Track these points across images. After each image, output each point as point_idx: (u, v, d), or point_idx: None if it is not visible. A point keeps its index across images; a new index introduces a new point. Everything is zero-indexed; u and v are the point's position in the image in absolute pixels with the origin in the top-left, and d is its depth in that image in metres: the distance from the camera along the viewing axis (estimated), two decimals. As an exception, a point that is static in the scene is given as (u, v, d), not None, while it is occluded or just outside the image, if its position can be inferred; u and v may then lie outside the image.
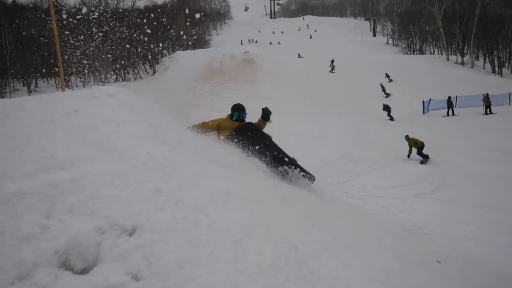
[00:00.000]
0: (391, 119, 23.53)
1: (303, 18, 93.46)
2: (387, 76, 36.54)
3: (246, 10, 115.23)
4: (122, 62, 51.14)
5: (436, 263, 4.20)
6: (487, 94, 24.32)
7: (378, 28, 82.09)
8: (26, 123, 2.90)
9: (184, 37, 64.37)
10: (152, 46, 59.75)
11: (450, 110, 24.57)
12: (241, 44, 65.82)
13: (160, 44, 54.85)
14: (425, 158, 14.23)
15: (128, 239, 1.79)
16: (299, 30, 78.83)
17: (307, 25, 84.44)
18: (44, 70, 45.74)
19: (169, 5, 68.88)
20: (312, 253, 2.17)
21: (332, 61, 40.87)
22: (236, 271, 1.74)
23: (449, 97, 24.87)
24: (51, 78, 48.85)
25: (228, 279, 1.67)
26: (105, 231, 1.78)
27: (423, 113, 25.87)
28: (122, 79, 51.03)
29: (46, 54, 45.48)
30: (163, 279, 1.60)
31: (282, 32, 79.69)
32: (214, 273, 1.69)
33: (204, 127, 5.53)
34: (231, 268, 1.75)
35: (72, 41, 44.00)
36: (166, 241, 1.81)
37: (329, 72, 39.63)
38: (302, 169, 5.26)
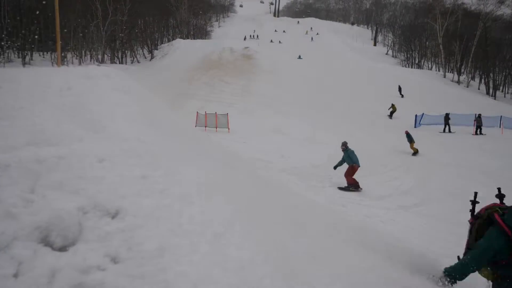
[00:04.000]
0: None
1: (298, 22, 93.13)
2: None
3: (241, 6, 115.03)
4: (121, 44, 50.65)
5: (414, 280, 4.24)
6: (479, 114, 24.58)
7: (380, 38, 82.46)
8: (18, 96, 2.87)
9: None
10: (152, 31, 59.36)
11: (447, 127, 24.70)
12: (245, 39, 65.70)
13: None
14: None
15: (110, 221, 1.79)
16: (306, 33, 78.56)
17: (311, 28, 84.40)
18: (40, 43, 45.13)
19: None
20: (292, 253, 2.20)
21: (400, 88, 36.13)
22: (214, 263, 1.75)
23: (447, 114, 24.99)
24: (47, 52, 48.20)
25: (205, 271, 1.68)
26: (87, 211, 1.78)
27: (415, 126, 26.08)
28: (119, 61, 50.56)
29: (44, 27, 44.90)
30: (141, 265, 1.61)
31: (284, 31, 79.61)
32: (193, 263, 1.70)
33: None
34: (209, 261, 1.76)
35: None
36: (148, 228, 1.82)
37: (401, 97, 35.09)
38: None
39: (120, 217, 1.83)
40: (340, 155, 13.13)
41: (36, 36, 45.09)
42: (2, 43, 39.73)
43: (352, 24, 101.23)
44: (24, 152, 2.01)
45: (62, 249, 1.59)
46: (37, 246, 1.54)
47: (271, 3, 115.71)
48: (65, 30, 39.76)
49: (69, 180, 1.93)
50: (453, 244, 8.25)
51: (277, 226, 2.66)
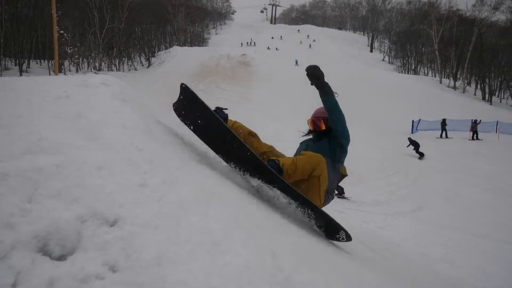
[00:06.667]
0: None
1: (298, 30, 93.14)
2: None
3: (233, 13, 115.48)
4: (118, 52, 50.75)
5: (415, 282, 4.24)
6: (475, 120, 24.73)
7: (376, 44, 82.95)
8: (16, 104, 2.87)
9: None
10: (150, 38, 59.54)
11: (444, 132, 24.81)
12: (241, 45, 65.98)
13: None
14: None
15: (108, 230, 1.79)
16: (300, 43, 77.95)
17: (308, 35, 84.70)
18: (38, 51, 45.20)
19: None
20: (289, 260, 2.20)
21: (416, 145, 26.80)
22: (212, 271, 1.75)
23: (444, 119, 25.10)
24: (44, 60, 48.25)
25: (204, 279, 1.69)
26: (86, 220, 1.78)
27: (412, 132, 26.20)
28: (117, 68, 50.65)
29: (41, 35, 45.00)
30: (140, 273, 1.61)
31: (281, 37, 79.97)
32: (191, 271, 1.70)
33: None
34: (208, 268, 1.77)
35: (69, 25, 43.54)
36: (146, 236, 1.82)
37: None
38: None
39: (119, 226, 1.83)
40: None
41: (33, 45, 45.08)
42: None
43: (339, 29, 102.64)
44: (22, 161, 2.01)
45: (61, 258, 1.59)
46: (35, 255, 1.54)
47: (264, 9, 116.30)
48: (64, 34, 39.68)
49: (67, 189, 1.93)
50: (451, 249, 8.29)
51: (275, 232, 2.67)
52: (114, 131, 2.83)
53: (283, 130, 22.87)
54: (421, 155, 17.18)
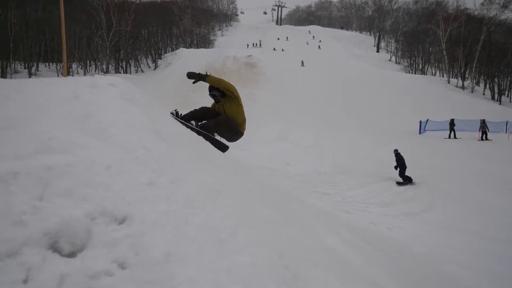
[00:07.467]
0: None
1: (309, 31, 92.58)
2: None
3: (241, 13, 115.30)
4: (125, 54, 51.05)
5: (424, 282, 4.23)
6: (483, 120, 24.51)
7: (382, 44, 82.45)
8: (26, 105, 2.91)
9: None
10: (156, 40, 59.85)
11: (452, 132, 24.62)
12: (247, 47, 65.94)
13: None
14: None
15: (117, 227, 1.82)
16: (307, 44, 77.36)
17: (313, 36, 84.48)
18: (46, 54, 45.64)
19: (177, 0, 68.93)
20: (296, 259, 2.21)
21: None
22: (220, 268, 1.77)
23: (452, 120, 24.89)
24: (52, 63, 48.69)
25: (211, 276, 1.70)
26: (95, 218, 1.81)
27: (419, 133, 26.05)
28: (123, 70, 50.93)
29: (50, 38, 45.43)
30: (149, 270, 1.63)
31: (287, 38, 79.84)
32: (199, 269, 1.72)
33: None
34: (215, 266, 1.78)
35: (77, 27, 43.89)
36: (155, 234, 1.84)
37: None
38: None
39: (127, 223, 1.86)
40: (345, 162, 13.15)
41: (42, 48, 45.49)
42: (9, 54, 40.12)
43: (341, 28, 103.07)
44: (32, 160, 2.05)
45: (71, 255, 1.61)
46: (46, 252, 1.57)
47: (273, 10, 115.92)
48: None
49: (77, 187, 1.96)
50: (459, 251, 8.23)
51: (281, 231, 2.68)
52: (122, 131, 2.86)
53: (289, 131, 22.86)
54: (407, 181, 13.69)
